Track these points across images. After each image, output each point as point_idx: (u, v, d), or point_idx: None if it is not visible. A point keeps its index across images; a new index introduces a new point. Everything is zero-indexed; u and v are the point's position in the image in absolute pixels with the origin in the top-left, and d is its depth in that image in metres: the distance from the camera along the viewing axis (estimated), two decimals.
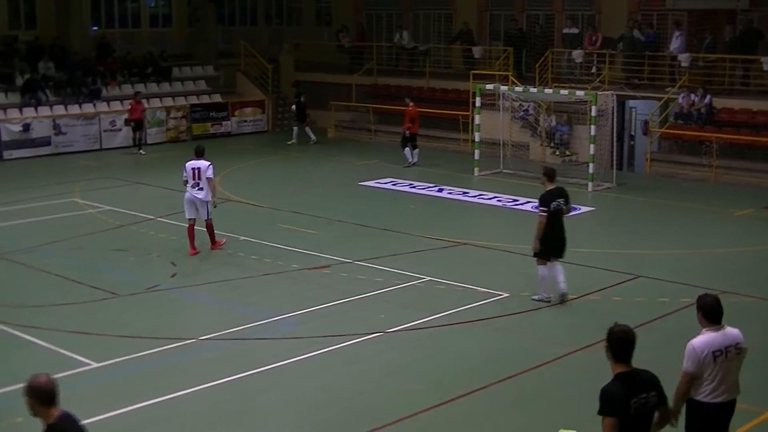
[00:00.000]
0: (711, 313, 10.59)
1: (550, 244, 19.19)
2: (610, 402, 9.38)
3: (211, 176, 23.36)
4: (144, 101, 40.59)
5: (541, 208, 19.07)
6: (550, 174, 19.68)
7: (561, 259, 19.52)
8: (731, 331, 10.64)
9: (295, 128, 41.87)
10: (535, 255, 19.46)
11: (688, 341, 10.50)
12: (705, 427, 10.62)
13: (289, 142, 41.71)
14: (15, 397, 15.22)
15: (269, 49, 48.49)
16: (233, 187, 31.91)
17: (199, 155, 23.59)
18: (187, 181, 23.42)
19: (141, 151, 39.26)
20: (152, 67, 44.57)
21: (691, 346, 10.45)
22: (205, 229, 23.64)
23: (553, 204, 19.03)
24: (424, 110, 39.18)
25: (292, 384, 15.96)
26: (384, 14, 49.03)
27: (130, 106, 39.65)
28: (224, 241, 24.12)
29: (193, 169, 23.30)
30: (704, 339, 10.47)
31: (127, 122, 39.72)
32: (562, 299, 19.39)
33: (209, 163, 23.39)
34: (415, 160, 35.65)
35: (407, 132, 35.61)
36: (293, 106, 42.36)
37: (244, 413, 14.78)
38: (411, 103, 35.98)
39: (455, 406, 14.73)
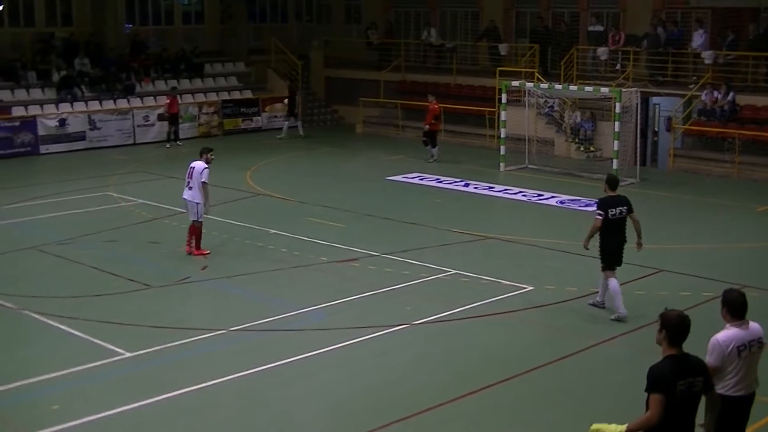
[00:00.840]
0: (736, 308, 10.52)
1: (614, 252, 18.32)
2: (658, 379, 9.49)
3: (206, 180, 22.40)
4: (178, 97, 40.75)
5: (598, 212, 18.21)
6: (612, 182, 18.84)
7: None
8: (754, 326, 10.60)
9: (286, 123, 41.95)
10: (604, 269, 18.33)
11: (712, 336, 10.45)
12: (726, 420, 10.57)
13: (279, 137, 41.68)
14: (52, 385, 15.40)
15: (299, 45, 48.52)
16: (263, 181, 31.99)
17: (200, 155, 22.93)
18: None
19: (178, 142, 39.57)
20: (185, 63, 44.64)
21: (716, 341, 10.37)
22: (188, 230, 22.83)
23: (612, 211, 18.12)
24: (451, 106, 39.20)
25: (321, 374, 15.98)
26: (412, 12, 49.02)
27: (167, 101, 39.92)
28: (208, 253, 22.65)
29: (190, 167, 22.77)
30: (729, 334, 10.41)
31: (162, 117, 39.92)
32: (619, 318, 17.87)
33: (205, 166, 22.52)
34: (435, 156, 35.47)
35: (426, 127, 35.53)
36: (286, 100, 42.58)
37: (274, 403, 14.82)
38: (433, 100, 35.80)
39: (480, 398, 14.73)
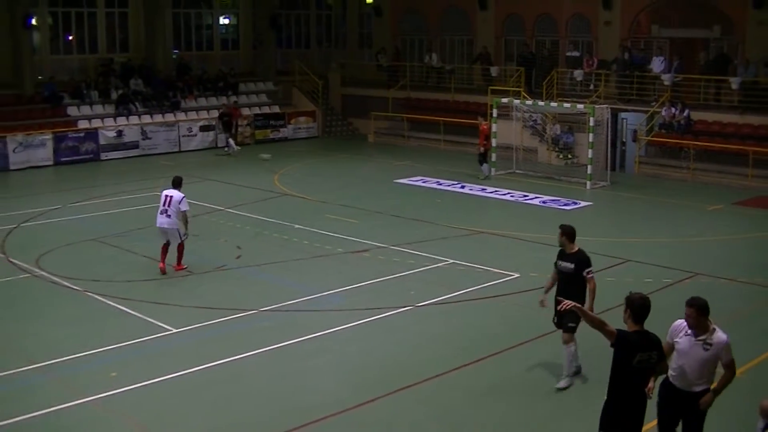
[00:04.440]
0: (707, 309, 10.21)
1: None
2: (623, 339, 9.67)
3: (185, 209, 20.27)
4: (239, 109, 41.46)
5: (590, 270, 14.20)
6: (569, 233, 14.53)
7: None
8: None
9: (231, 140, 39.91)
10: (573, 330, 14.08)
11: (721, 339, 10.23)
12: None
13: (224, 153, 39.75)
14: (110, 356, 15.40)
15: (320, 67, 48.45)
16: (289, 183, 31.93)
17: (175, 186, 20.63)
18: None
19: (237, 147, 39.50)
20: (222, 82, 44.62)
21: (728, 340, 10.24)
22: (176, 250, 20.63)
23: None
24: (450, 120, 39.20)
25: (338, 349, 15.95)
26: (416, 39, 48.91)
27: (231, 111, 40.13)
28: (186, 267, 20.60)
29: (166, 196, 20.38)
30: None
31: (224, 125, 40.08)
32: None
33: (183, 195, 20.34)
34: (486, 174, 33.27)
35: (482, 148, 33.32)
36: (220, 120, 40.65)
37: (298, 373, 14.79)
38: (484, 121, 33.74)
39: (476, 368, 14.70)
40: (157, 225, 20.44)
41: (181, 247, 20.52)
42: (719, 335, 10.18)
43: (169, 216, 20.17)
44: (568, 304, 9.99)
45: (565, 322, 13.89)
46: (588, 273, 13.93)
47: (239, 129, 41.28)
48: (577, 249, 14.21)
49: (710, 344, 10.16)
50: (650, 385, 9.97)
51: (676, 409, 10.46)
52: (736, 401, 12.55)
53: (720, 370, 10.31)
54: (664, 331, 10.38)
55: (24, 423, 12.79)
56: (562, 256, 14.32)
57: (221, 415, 13.14)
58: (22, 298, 18.83)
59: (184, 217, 20.26)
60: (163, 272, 20.23)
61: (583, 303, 13.45)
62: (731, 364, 10.23)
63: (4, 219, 25.88)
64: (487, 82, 41.51)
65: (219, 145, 40.23)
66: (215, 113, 41.50)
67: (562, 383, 14.02)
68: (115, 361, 15.21)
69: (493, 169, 33.57)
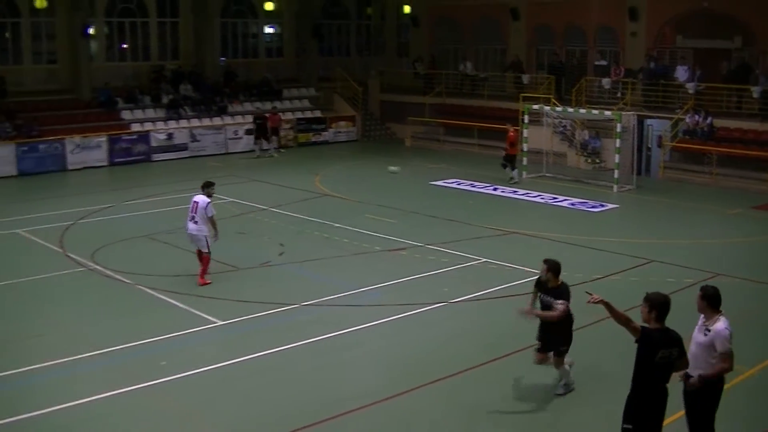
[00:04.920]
0: (717, 300, 10.20)
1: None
2: (647, 336, 9.68)
3: (211, 214, 19.31)
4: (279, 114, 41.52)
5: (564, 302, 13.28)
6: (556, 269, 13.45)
7: None
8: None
9: (266, 143, 39.79)
10: (563, 354, 13.51)
11: (720, 329, 10.07)
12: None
13: (256, 156, 39.32)
14: (160, 345, 15.53)
15: (359, 75, 48.50)
16: (330, 184, 32.00)
17: (203, 189, 19.69)
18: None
19: (281, 149, 39.86)
20: (267, 88, 44.86)
21: (727, 330, 10.06)
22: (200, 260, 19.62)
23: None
24: (483, 125, 39.10)
25: (375, 342, 16.01)
26: (451, 48, 48.82)
27: (268, 117, 40.12)
28: (209, 282, 19.32)
29: (193, 202, 19.50)
30: (727, 320, 10.14)
31: (257, 129, 40.00)
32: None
33: (209, 200, 19.38)
34: (516, 178, 32.82)
35: (506, 153, 33.13)
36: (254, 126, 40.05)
37: (336, 365, 14.85)
38: (511, 129, 33.44)
39: (505, 363, 14.71)
40: (187, 231, 19.61)
41: (206, 259, 19.45)
42: (719, 324, 10.12)
43: (196, 222, 19.29)
44: (596, 297, 10.01)
45: (557, 346, 13.30)
46: (561, 303, 12.98)
47: (281, 133, 41.44)
48: (560, 283, 13.28)
49: (709, 330, 10.14)
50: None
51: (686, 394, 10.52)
52: (750, 401, 12.51)
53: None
54: (685, 328, 10.34)
55: (82, 406, 12.98)
56: (545, 289, 13.34)
57: (265, 402, 13.25)
58: (78, 290, 19.06)
59: (211, 222, 19.32)
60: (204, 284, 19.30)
61: (567, 336, 13.31)
62: (725, 356, 10.05)
63: (62, 216, 26.15)
64: (518, 89, 41.37)
65: (260, 148, 40.03)
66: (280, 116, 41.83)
67: (560, 390, 13.63)
68: (164, 351, 15.34)
69: (523, 173, 33.52)
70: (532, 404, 13.31)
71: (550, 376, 13.90)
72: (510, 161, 32.91)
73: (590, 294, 10.13)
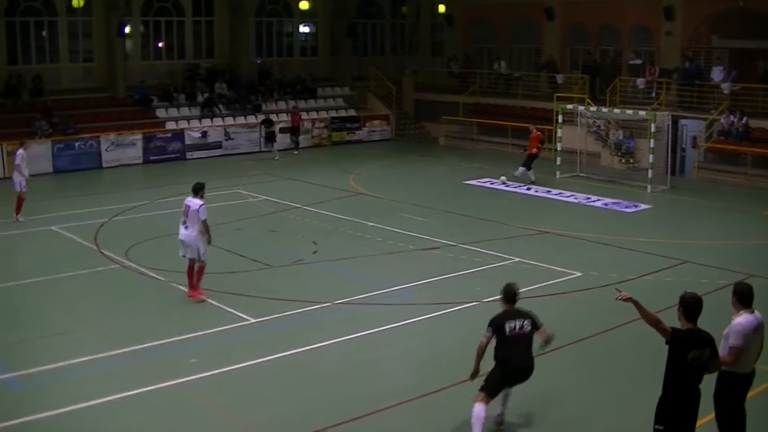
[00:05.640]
0: (745, 298, 10.24)
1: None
2: (677, 337, 9.57)
3: (204, 217, 17.68)
4: (299, 114, 41.26)
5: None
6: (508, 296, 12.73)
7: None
8: (758, 313, 10.32)
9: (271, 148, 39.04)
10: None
11: (732, 321, 10.16)
12: (740, 394, 10.36)
13: (276, 158, 38.22)
14: (192, 343, 15.56)
15: (394, 74, 48.41)
16: (364, 183, 31.99)
17: (195, 193, 18.01)
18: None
19: (295, 151, 39.61)
20: (301, 87, 44.94)
21: (740, 325, 10.05)
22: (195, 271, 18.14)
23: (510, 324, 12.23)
24: (517, 125, 38.93)
25: (407, 341, 15.96)
26: (485, 47, 48.70)
27: (289, 116, 40.40)
28: (203, 297, 18.00)
29: (185, 205, 18.02)
30: (748, 318, 10.11)
31: (284, 129, 40.15)
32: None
33: (201, 203, 17.74)
34: (532, 178, 32.25)
35: (526, 151, 32.85)
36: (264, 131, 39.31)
37: (369, 362, 14.83)
38: (533, 129, 33.14)
39: (538, 362, 14.55)
40: (179, 237, 18.18)
41: (200, 270, 18.04)
42: (738, 319, 10.12)
43: (187, 227, 17.84)
44: (624, 294, 9.91)
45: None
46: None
47: (317, 131, 41.50)
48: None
49: (729, 324, 10.18)
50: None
51: None
52: None
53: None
54: (718, 329, 10.23)
55: (112, 403, 13.04)
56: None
57: (296, 400, 13.24)
58: (112, 287, 19.14)
59: (204, 227, 17.74)
60: (199, 299, 18.03)
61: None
62: (732, 349, 10.04)
63: (96, 213, 26.31)
64: (552, 89, 41.18)
65: (282, 147, 39.79)
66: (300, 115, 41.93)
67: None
68: (195, 348, 15.37)
69: (557, 173, 33.40)
70: (563, 404, 13.21)
71: (580, 375, 13.79)
72: (529, 160, 32.42)
73: (619, 291, 10.02)
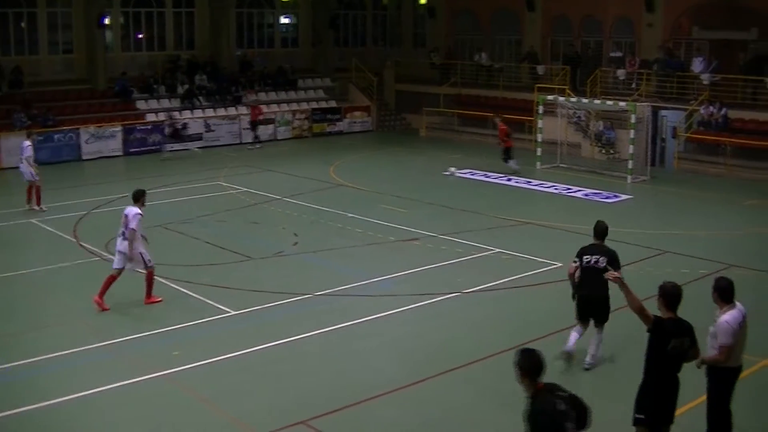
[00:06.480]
0: (727, 293, 10.27)
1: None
2: (659, 325, 9.60)
3: (133, 226, 16.56)
4: (263, 107, 40.77)
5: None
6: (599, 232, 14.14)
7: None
8: (740, 306, 10.35)
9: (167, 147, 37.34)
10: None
11: (718, 319, 10.19)
12: (727, 388, 10.43)
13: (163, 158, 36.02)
14: (173, 335, 15.52)
15: (375, 65, 48.34)
16: (344, 174, 31.96)
17: (134, 201, 17.13)
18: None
19: (257, 145, 38.94)
20: (283, 78, 44.87)
21: (726, 323, 10.09)
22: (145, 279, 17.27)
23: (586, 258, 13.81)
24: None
25: (389, 332, 15.97)
26: (467, 39, 48.74)
27: (250, 110, 39.98)
28: (161, 300, 17.31)
29: (123, 214, 16.95)
30: (733, 314, 10.15)
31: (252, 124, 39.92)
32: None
33: (138, 212, 16.79)
34: (516, 168, 32.39)
35: (502, 145, 32.71)
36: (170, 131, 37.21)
37: (350, 354, 14.84)
38: (500, 121, 33.16)
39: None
40: (116, 248, 17.19)
41: (149, 275, 17.12)
42: (724, 317, 10.17)
43: (125, 239, 16.80)
44: (615, 274, 10.09)
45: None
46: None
47: (298, 123, 41.42)
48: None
49: (715, 321, 10.23)
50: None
51: None
52: (764, 390, 12.43)
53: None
54: (699, 318, 10.30)
55: (93, 396, 12.99)
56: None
57: (280, 391, 13.25)
58: (91, 280, 18.99)
59: (131, 235, 16.64)
60: (102, 308, 16.84)
61: None
62: (722, 348, 10.11)
63: (76, 206, 26.21)
64: (534, 80, 41.25)
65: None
66: (275, 108, 41.83)
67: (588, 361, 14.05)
68: (177, 341, 15.33)
69: (537, 163, 33.48)
70: None
71: (562, 365, 13.83)
72: (508, 153, 32.56)
73: (609, 269, 10.15)
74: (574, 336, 13.94)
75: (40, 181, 25.80)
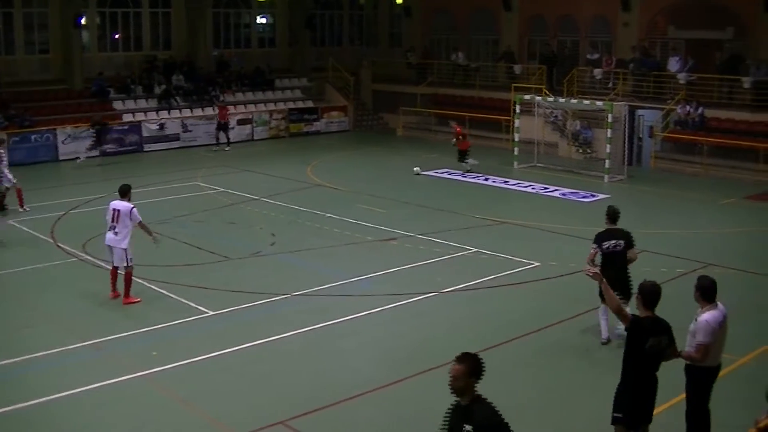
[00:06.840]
0: (709, 293, 10.29)
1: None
2: (637, 324, 9.64)
3: (138, 220, 17.05)
4: (231, 107, 40.69)
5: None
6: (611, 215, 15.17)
7: None
8: (721, 306, 10.39)
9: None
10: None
11: (699, 317, 10.21)
12: (706, 387, 10.46)
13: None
14: (151, 336, 15.45)
15: (352, 65, 48.33)
16: (322, 174, 31.92)
17: (122, 195, 17.23)
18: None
19: (227, 147, 38.49)
20: (260, 78, 44.79)
21: (706, 322, 10.11)
22: (124, 278, 17.27)
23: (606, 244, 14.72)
24: (475, 115, 39.07)
25: (368, 332, 15.96)
26: (444, 38, 48.77)
27: (217, 111, 39.54)
28: (140, 300, 17.26)
29: (113, 209, 17.08)
30: (713, 314, 10.17)
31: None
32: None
33: (132, 206, 17.10)
34: (469, 166, 32.57)
35: (454, 142, 33.33)
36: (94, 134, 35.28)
37: (330, 354, 14.81)
38: (455, 124, 33.97)
39: (498, 351, 14.65)
40: (105, 242, 17.41)
41: (128, 275, 17.19)
42: (704, 316, 10.20)
43: (116, 233, 16.98)
44: (594, 270, 10.16)
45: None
46: None
47: (275, 123, 41.35)
48: None
49: (695, 320, 10.26)
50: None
51: None
52: (742, 388, 12.48)
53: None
54: (677, 317, 10.34)
55: (72, 397, 12.91)
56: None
57: (259, 391, 13.22)
58: (69, 281, 18.96)
59: (143, 228, 17.26)
60: (116, 297, 17.43)
61: None
62: (698, 346, 10.13)
63: (53, 206, 26.07)
64: (510, 79, 41.35)
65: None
66: (252, 108, 41.74)
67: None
68: (155, 341, 15.27)
69: (515, 163, 33.58)
70: (523, 392, 13.27)
71: (540, 364, 13.86)
72: (462, 156, 32.77)
73: (589, 267, 10.20)
74: (603, 325, 14.83)
75: (17, 183, 25.63)
